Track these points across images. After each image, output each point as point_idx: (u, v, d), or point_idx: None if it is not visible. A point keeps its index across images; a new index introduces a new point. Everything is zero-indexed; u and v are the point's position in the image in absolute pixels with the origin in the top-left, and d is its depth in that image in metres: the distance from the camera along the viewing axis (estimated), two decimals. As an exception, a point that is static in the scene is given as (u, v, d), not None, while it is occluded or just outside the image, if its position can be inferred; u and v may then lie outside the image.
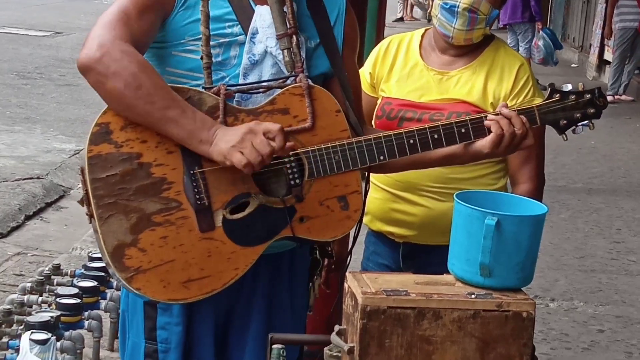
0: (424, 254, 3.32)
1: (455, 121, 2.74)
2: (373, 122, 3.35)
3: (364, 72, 3.44)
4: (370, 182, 3.35)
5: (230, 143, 2.51)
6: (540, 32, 14.75)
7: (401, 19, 25.95)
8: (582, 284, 6.55)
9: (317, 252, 2.97)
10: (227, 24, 2.68)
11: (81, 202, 2.61)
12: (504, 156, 3.07)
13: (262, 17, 2.69)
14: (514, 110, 2.74)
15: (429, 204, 3.29)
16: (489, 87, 3.26)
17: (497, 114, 2.73)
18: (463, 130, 2.73)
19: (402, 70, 3.35)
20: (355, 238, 2.94)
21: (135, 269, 2.54)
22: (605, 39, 15.91)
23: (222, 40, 2.67)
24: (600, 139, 11.08)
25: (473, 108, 3.19)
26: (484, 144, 2.73)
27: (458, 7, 3.19)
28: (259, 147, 2.51)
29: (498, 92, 3.25)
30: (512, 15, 15.03)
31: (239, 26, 2.69)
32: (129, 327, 2.88)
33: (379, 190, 3.39)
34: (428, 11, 4.14)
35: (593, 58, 16.95)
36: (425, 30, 3.42)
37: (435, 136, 2.71)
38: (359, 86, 2.97)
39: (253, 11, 2.70)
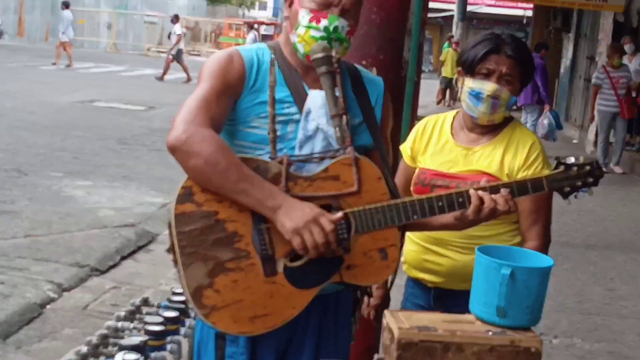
0: (451, 297, 3.29)
1: (475, 187, 2.72)
2: (412, 188, 3.35)
3: (406, 147, 3.46)
4: (407, 237, 3.35)
5: (294, 224, 2.52)
6: (548, 113, 14.75)
7: (439, 102, 25.79)
8: (581, 324, 6.46)
9: (359, 292, 2.96)
10: (285, 105, 2.70)
11: (168, 251, 2.62)
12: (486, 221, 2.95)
13: (314, 100, 2.72)
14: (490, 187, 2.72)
15: (455, 256, 3.27)
16: (505, 160, 3.25)
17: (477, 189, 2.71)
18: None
19: (435, 146, 3.36)
20: (391, 283, 2.93)
21: (212, 307, 2.55)
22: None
23: (281, 118, 2.69)
24: (597, 203, 10.98)
25: (491, 178, 3.17)
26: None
27: (483, 94, 3.20)
28: (316, 237, 2.52)
29: (512, 165, 3.24)
30: (525, 98, 15.08)
31: (295, 107, 2.71)
32: (203, 355, 2.88)
33: (414, 244, 3.38)
34: (458, 95, 4.16)
35: (591, 135, 16.84)
36: (457, 112, 3.43)
37: (460, 199, 2.71)
38: (390, 158, 2.97)
39: (307, 94, 2.73)
